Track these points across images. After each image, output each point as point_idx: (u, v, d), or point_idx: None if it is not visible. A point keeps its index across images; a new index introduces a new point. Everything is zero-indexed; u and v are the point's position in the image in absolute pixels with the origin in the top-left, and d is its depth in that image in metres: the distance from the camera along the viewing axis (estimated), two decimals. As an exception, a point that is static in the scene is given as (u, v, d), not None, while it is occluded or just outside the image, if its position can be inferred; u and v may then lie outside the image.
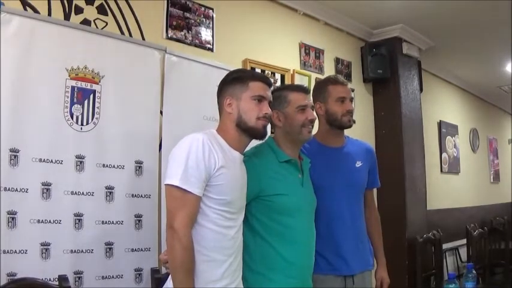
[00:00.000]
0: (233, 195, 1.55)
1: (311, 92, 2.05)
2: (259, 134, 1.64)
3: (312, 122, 1.84)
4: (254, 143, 1.75)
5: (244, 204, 1.66)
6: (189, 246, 1.44)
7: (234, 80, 1.64)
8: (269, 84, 1.67)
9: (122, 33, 2.42)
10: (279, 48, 3.37)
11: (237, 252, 1.60)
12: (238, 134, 1.62)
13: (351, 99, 2.06)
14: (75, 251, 2.02)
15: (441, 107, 5.49)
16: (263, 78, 1.67)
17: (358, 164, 2.07)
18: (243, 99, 1.60)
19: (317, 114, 2.05)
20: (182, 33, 2.73)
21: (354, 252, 1.99)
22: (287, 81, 3.34)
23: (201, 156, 1.47)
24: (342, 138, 2.11)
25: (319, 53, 3.70)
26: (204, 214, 1.50)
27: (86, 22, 2.28)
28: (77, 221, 2.05)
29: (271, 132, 2.01)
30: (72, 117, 2.08)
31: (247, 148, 1.72)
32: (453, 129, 5.66)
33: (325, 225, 1.94)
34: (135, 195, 2.26)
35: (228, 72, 1.75)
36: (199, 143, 1.48)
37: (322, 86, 2.09)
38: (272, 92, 1.83)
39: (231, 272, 1.55)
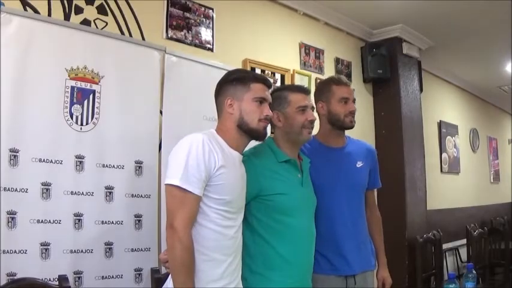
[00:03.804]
0: (233, 195, 1.55)
1: (312, 92, 2.05)
2: (260, 136, 1.65)
3: (312, 122, 1.84)
4: (253, 143, 1.75)
5: (243, 204, 1.66)
6: (189, 246, 1.44)
7: (235, 80, 1.64)
8: (269, 86, 1.68)
9: (122, 33, 2.42)
10: (279, 48, 3.37)
11: (237, 252, 1.60)
12: (238, 135, 1.62)
13: (354, 100, 2.06)
14: (75, 251, 2.02)
15: (441, 107, 5.49)
16: (264, 80, 1.67)
17: (359, 164, 2.07)
18: (245, 100, 1.61)
19: (318, 113, 2.05)
20: (182, 33, 2.73)
21: (355, 252, 1.99)
22: (287, 81, 3.34)
23: (201, 156, 1.47)
24: (343, 138, 2.11)
25: (319, 53, 3.70)
26: (204, 214, 1.50)
27: (86, 22, 2.28)
28: (77, 221, 2.05)
29: (271, 133, 2.01)
30: (71, 117, 2.08)
31: (246, 148, 1.73)
32: (453, 129, 5.66)
33: (326, 225, 1.95)
34: (135, 195, 2.26)
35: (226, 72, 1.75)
36: (200, 143, 1.49)
37: (325, 86, 2.08)
38: (272, 92, 1.84)
39: (230, 272, 1.55)
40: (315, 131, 1.99)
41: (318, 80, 3.60)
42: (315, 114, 1.91)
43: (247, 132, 1.61)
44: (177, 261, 1.43)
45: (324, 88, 2.08)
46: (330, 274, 1.95)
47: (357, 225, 2.03)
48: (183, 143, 1.51)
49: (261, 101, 1.62)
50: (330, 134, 2.07)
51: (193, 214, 1.47)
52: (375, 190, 2.25)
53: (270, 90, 1.70)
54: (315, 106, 1.97)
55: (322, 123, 2.09)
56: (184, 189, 1.44)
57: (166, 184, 1.49)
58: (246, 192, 1.66)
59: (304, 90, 1.89)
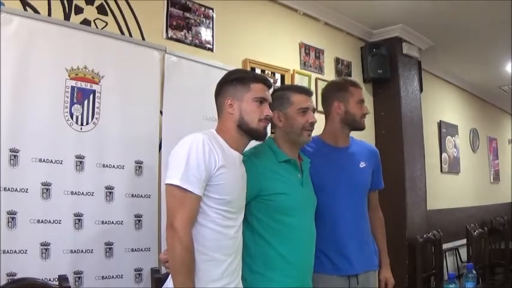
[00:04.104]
0: (233, 195, 1.55)
1: (319, 92, 2.06)
2: (260, 136, 1.66)
3: (312, 124, 1.84)
4: (252, 143, 1.75)
5: (244, 204, 1.66)
6: (190, 245, 1.44)
7: (235, 80, 1.64)
8: (269, 86, 1.68)
9: (122, 33, 2.42)
10: (279, 48, 3.37)
11: (237, 252, 1.60)
12: (238, 135, 1.62)
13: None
14: (75, 251, 2.02)
15: (441, 107, 5.49)
16: (264, 80, 1.68)
17: (362, 164, 2.09)
18: (245, 100, 1.61)
19: (332, 113, 2.08)
20: (182, 33, 2.73)
21: (358, 252, 1.99)
22: (287, 81, 3.34)
23: (201, 156, 1.47)
24: (348, 139, 2.13)
25: (319, 53, 3.70)
26: (204, 213, 1.51)
27: (86, 22, 2.28)
28: (77, 221, 2.05)
29: (272, 133, 2.01)
30: (72, 117, 2.08)
31: (246, 148, 1.73)
32: (453, 129, 5.66)
33: (329, 225, 1.96)
34: (135, 195, 2.26)
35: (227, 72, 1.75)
36: (200, 143, 1.49)
37: (343, 86, 2.10)
38: (274, 92, 1.86)
39: (230, 272, 1.55)
40: (318, 131, 1.99)
41: (318, 80, 3.61)
42: (316, 115, 1.91)
43: (248, 132, 1.62)
44: (177, 260, 1.43)
45: (341, 88, 2.09)
46: (333, 274, 1.96)
47: (359, 225, 2.04)
48: (183, 143, 1.51)
49: (261, 101, 1.62)
50: (339, 134, 2.09)
51: (193, 214, 1.47)
52: (377, 191, 2.26)
53: (271, 90, 1.71)
54: (316, 108, 1.97)
55: (333, 122, 2.09)
56: (185, 189, 1.44)
57: (166, 184, 1.49)
58: (246, 192, 1.66)
59: (307, 92, 1.89)
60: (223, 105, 1.63)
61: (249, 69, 3.04)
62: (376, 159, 2.18)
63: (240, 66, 3.01)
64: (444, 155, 5.37)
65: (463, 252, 4.92)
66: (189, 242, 1.44)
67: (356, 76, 4.07)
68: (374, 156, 2.17)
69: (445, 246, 4.53)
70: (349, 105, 2.05)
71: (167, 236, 1.46)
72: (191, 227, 1.47)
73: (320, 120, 2.04)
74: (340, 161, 2.04)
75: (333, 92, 2.11)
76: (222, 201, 1.52)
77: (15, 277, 1.82)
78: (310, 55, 3.63)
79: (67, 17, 2.22)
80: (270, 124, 1.89)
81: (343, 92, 2.07)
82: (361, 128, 2.09)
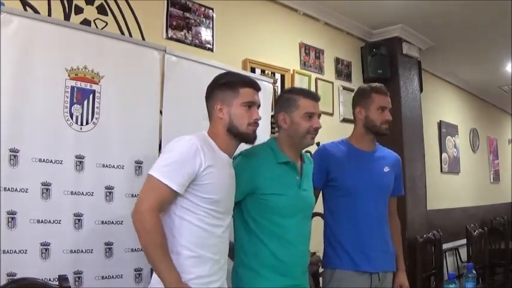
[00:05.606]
0: (220, 195, 1.58)
1: (319, 92, 2.07)
2: (250, 139, 1.69)
3: (316, 130, 1.85)
4: (244, 146, 1.78)
5: (232, 205, 1.69)
6: (158, 224, 1.46)
7: (224, 85, 1.66)
8: (258, 89, 1.71)
9: (122, 33, 2.42)
10: (279, 48, 3.37)
11: (223, 252, 1.64)
12: (229, 138, 1.65)
13: (390, 110, 2.15)
14: (75, 251, 2.02)
15: (441, 107, 5.50)
16: (253, 84, 1.70)
17: (386, 169, 2.15)
18: (234, 105, 1.64)
19: (355, 118, 2.16)
20: (182, 33, 2.73)
21: (379, 252, 2.06)
22: (287, 81, 3.34)
23: (185, 155, 1.51)
24: (374, 144, 2.19)
25: (319, 53, 3.70)
26: (191, 211, 1.54)
27: (86, 22, 2.28)
28: (77, 221, 2.04)
29: (272, 133, 2.02)
30: (71, 117, 2.08)
31: (238, 151, 1.76)
32: (453, 129, 5.66)
33: (353, 224, 2.03)
34: (135, 195, 2.25)
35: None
36: (187, 143, 1.53)
37: (366, 92, 2.15)
38: (283, 93, 1.93)
39: (216, 270, 1.58)
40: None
41: (318, 80, 3.61)
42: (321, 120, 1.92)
43: (237, 135, 1.65)
44: (151, 241, 1.45)
45: (364, 94, 2.16)
46: (355, 271, 2.01)
47: (382, 226, 2.11)
48: (172, 143, 1.56)
49: (250, 105, 1.65)
50: (364, 138, 2.16)
51: (161, 203, 1.49)
52: (396, 198, 2.30)
53: (260, 93, 1.73)
54: (320, 113, 1.99)
55: (357, 127, 2.17)
56: (160, 181, 1.47)
57: (148, 174, 1.52)
58: (238, 190, 1.70)
59: (315, 97, 1.90)
60: (213, 109, 1.66)
61: (249, 69, 3.04)
62: (398, 166, 2.24)
63: (240, 66, 3.02)
64: (444, 155, 5.38)
65: (463, 252, 4.93)
66: (156, 222, 1.45)
67: (356, 76, 4.08)
68: (397, 163, 2.24)
69: (445, 246, 4.54)
70: (369, 111, 2.11)
71: (134, 222, 1.47)
72: (158, 213, 1.48)
73: (321, 123, 2.05)
74: (367, 164, 2.12)
75: (357, 97, 2.19)
76: (210, 200, 1.55)
77: (15, 277, 1.82)
78: (310, 55, 3.63)
79: (67, 17, 2.22)
80: (276, 125, 1.92)
81: (365, 98, 2.13)
82: (382, 133, 2.13)
